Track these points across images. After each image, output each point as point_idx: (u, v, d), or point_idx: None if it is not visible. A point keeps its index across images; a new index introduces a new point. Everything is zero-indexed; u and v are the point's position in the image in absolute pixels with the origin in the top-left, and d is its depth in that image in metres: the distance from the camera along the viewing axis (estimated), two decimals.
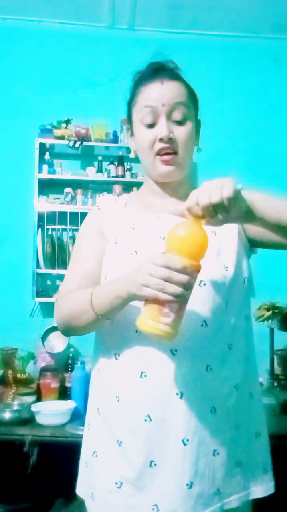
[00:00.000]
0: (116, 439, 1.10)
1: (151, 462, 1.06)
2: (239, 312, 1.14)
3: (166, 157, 1.13)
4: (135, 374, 1.07)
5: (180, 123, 1.14)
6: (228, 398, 1.10)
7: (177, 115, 1.13)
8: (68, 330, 1.19)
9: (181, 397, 1.05)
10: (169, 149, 1.13)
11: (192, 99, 1.18)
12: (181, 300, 0.91)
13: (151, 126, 1.13)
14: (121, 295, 1.01)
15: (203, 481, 1.06)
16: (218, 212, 0.90)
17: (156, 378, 1.06)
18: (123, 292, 1.00)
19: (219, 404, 1.09)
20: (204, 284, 1.08)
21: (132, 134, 1.22)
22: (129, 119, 1.22)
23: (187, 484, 1.05)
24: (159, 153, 1.13)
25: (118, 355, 1.11)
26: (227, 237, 1.14)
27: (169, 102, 1.12)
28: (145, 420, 1.06)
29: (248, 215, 0.95)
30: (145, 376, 1.07)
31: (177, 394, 1.05)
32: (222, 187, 0.88)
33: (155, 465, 1.06)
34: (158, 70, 1.16)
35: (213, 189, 0.89)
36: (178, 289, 0.89)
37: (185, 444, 1.05)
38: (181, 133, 1.14)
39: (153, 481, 1.06)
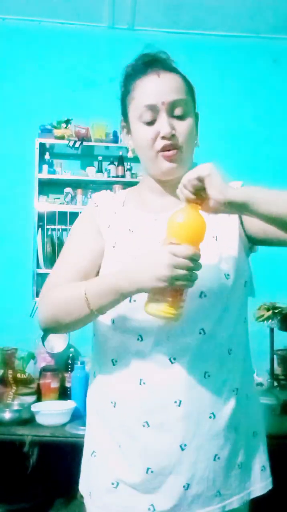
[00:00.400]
0: (115, 441, 1.10)
1: (148, 469, 1.05)
2: (238, 316, 1.13)
3: (169, 153, 1.09)
4: (134, 381, 1.07)
5: (181, 118, 1.10)
6: (226, 403, 1.09)
7: (178, 111, 1.10)
8: (55, 327, 1.14)
9: (179, 405, 1.05)
10: (171, 146, 1.09)
11: (190, 91, 1.14)
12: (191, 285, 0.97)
13: (151, 123, 1.10)
14: (125, 293, 1.00)
15: (201, 484, 1.06)
16: (197, 194, 0.95)
17: (154, 385, 1.06)
18: (129, 288, 0.98)
19: (218, 409, 1.08)
20: (205, 296, 1.05)
21: (128, 132, 1.18)
22: (124, 116, 1.17)
23: (184, 486, 1.05)
24: (162, 150, 1.10)
25: (116, 361, 1.10)
26: (227, 241, 1.11)
27: (169, 99, 1.08)
28: (143, 426, 1.06)
29: (241, 205, 0.93)
30: (144, 383, 1.06)
31: (175, 402, 1.05)
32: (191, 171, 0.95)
33: (152, 472, 1.05)
34: (152, 62, 1.12)
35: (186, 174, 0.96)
36: (197, 276, 0.95)
37: (182, 449, 1.05)
38: (183, 128, 1.10)
39: (150, 483, 1.06)
